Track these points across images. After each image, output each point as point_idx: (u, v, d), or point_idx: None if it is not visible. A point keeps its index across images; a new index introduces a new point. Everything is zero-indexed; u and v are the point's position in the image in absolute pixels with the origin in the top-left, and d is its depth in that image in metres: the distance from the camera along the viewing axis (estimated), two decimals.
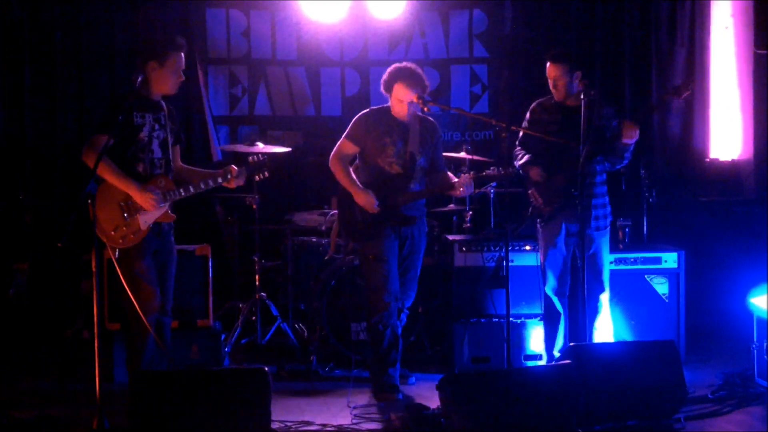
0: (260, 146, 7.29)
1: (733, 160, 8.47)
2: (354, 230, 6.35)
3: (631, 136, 6.17)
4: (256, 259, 7.31)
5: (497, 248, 6.92)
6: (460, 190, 6.21)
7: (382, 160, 6.27)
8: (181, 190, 5.75)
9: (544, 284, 6.59)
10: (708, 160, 8.58)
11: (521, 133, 6.58)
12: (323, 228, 7.39)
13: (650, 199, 7.44)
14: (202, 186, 5.83)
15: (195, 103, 8.46)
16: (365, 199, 6.21)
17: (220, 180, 5.86)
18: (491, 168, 6.23)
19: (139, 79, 5.53)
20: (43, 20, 8.05)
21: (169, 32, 8.02)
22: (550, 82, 6.41)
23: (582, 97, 6.01)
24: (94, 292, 5.37)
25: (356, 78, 8.86)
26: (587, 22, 8.64)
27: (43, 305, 7.56)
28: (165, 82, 5.72)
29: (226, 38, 8.66)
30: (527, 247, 6.93)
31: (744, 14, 8.40)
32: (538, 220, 6.56)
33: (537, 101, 6.60)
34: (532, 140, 6.46)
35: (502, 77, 8.85)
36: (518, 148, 6.62)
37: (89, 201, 5.27)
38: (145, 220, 5.63)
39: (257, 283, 7.27)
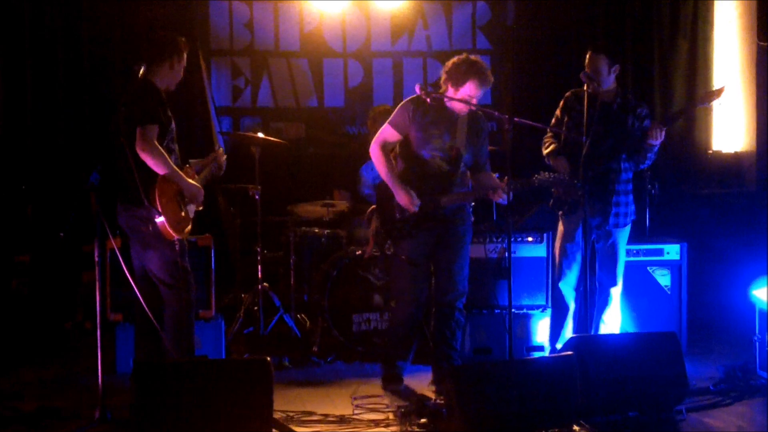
0: (261, 136, 7.27)
1: (735, 153, 8.46)
2: (392, 229, 6.06)
3: (656, 137, 6.14)
4: (258, 249, 7.30)
5: (500, 239, 6.92)
6: (500, 197, 5.86)
7: (426, 152, 5.97)
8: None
9: (559, 278, 6.58)
10: (710, 152, 8.58)
11: (553, 121, 6.53)
12: (329, 222, 7.37)
13: (652, 191, 7.44)
14: (209, 175, 5.95)
15: (197, 94, 8.45)
16: (407, 200, 5.88)
17: (215, 167, 5.97)
18: (540, 173, 5.87)
19: (142, 69, 5.50)
20: (43, 9, 8.03)
21: (171, 23, 8.03)
22: (588, 73, 6.22)
23: (615, 92, 6.15)
24: (97, 283, 5.38)
25: (359, 69, 8.87)
26: (590, 15, 8.63)
27: (45, 297, 7.56)
28: (177, 77, 5.75)
29: (228, 29, 8.67)
30: (530, 239, 6.94)
31: (748, 7, 8.39)
32: (560, 212, 6.54)
33: (572, 90, 6.51)
34: (567, 129, 6.39)
35: (505, 69, 8.84)
36: (548, 135, 6.55)
37: (92, 192, 5.27)
38: (191, 211, 5.69)
39: (259, 273, 7.27)
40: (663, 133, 6.15)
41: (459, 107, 5.91)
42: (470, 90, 5.85)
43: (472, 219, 6.25)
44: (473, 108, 5.94)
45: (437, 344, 6.15)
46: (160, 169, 5.42)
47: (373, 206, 6.43)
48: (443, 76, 5.96)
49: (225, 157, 6.12)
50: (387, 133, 6.01)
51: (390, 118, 6.02)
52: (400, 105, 6.04)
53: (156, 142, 5.40)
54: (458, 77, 5.86)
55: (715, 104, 6.16)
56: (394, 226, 6.02)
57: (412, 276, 6.03)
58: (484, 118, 6.18)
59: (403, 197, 5.89)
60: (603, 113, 6.24)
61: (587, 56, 6.36)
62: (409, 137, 5.99)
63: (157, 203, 5.40)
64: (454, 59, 5.94)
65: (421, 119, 5.94)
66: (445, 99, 5.91)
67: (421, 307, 6.15)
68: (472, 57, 5.95)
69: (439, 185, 5.98)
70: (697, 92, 8.48)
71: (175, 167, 5.51)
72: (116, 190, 5.57)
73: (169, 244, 5.53)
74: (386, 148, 6.01)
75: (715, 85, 8.50)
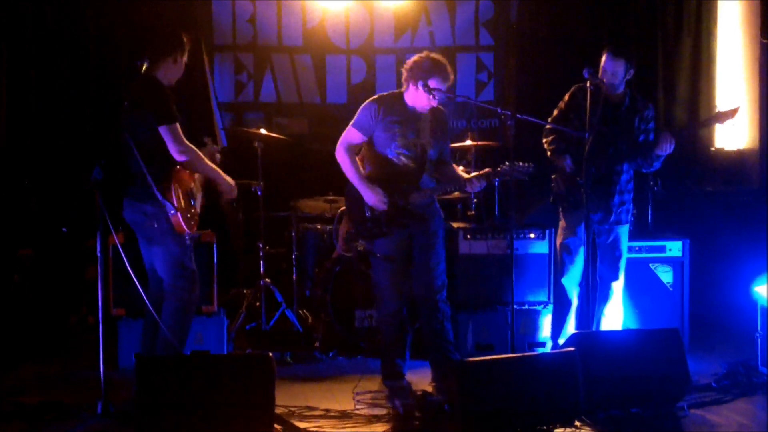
0: (264, 132, 7.26)
1: (738, 150, 8.45)
2: (363, 229, 6.04)
3: (665, 149, 6.11)
4: (260, 245, 7.30)
5: (502, 236, 6.92)
6: (473, 188, 5.95)
7: (391, 151, 5.97)
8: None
9: (561, 274, 6.57)
10: (713, 149, 8.57)
11: (555, 113, 6.48)
12: (331, 218, 7.35)
13: (655, 188, 7.44)
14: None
15: (200, 90, 8.45)
16: (375, 198, 5.88)
17: None
18: (505, 164, 5.86)
19: (145, 65, 5.49)
20: (45, 8, 8.03)
21: (175, 19, 8.03)
22: (603, 74, 6.20)
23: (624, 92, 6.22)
24: (99, 279, 5.38)
25: (362, 66, 8.87)
26: (593, 11, 8.62)
27: (48, 291, 7.56)
28: (179, 72, 5.74)
29: (231, 25, 8.67)
30: (532, 235, 6.94)
31: (751, 4, 8.37)
32: (560, 209, 6.54)
33: (577, 86, 6.40)
34: (569, 126, 6.31)
35: (508, 65, 8.84)
36: (549, 128, 6.48)
37: (95, 188, 5.27)
38: (198, 206, 5.73)
39: (262, 269, 7.27)
40: (672, 145, 6.11)
41: (421, 104, 5.90)
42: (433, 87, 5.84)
43: (442, 214, 6.22)
44: (434, 104, 5.92)
45: (430, 340, 6.13)
46: (201, 165, 5.54)
47: (342, 208, 6.45)
48: (404, 74, 5.95)
49: (218, 156, 6.08)
50: (351, 135, 5.98)
51: (353, 120, 5.98)
52: (362, 106, 6.01)
53: (181, 140, 5.43)
54: (421, 75, 5.84)
55: (728, 124, 6.12)
56: (365, 225, 6.00)
57: (390, 273, 6.02)
58: (446, 113, 6.16)
59: (370, 196, 5.89)
60: (611, 114, 6.22)
61: (604, 58, 6.28)
62: (373, 138, 5.97)
63: (173, 197, 5.41)
64: (415, 57, 5.95)
65: (384, 118, 5.92)
66: (446, 96, 5.89)
67: (404, 303, 6.13)
68: (433, 54, 5.95)
69: (406, 183, 5.97)
70: (700, 99, 8.50)
71: (212, 164, 5.64)
72: (121, 186, 5.56)
73: (174, 240, 5.53)
74: (351, 150, 5.98)
75: (718, 81, 8.51)
